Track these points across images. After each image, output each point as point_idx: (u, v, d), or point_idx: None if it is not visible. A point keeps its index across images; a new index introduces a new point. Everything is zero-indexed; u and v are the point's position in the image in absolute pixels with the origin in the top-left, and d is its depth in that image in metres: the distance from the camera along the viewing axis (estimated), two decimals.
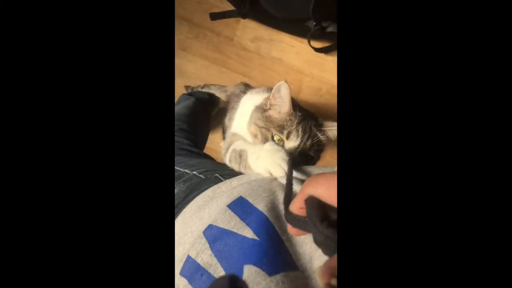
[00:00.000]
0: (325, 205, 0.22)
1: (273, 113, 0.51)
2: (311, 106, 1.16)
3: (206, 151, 0.89)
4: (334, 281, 0.17)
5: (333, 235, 0.19)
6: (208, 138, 1.01)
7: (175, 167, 0.54)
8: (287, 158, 0.40)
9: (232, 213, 0.33)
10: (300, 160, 0.50)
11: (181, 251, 0.34)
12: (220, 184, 0.42)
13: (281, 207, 0.32)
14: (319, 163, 0.58)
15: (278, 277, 0.25)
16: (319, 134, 0.51)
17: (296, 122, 0.48)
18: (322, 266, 0.19)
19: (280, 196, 0.35)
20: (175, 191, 0.49)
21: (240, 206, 0.34)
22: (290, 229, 0.25)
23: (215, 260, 0.30)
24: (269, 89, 0.60)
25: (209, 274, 0.29)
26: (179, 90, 1.08)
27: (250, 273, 0.25)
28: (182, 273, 0.31)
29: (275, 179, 0.40)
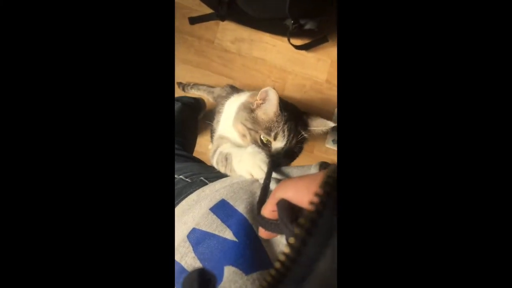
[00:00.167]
0: (294, 207, 0.23)
1: (260, 114, 0.52)
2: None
3: (195, 154, 0.89)
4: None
5: None
6: (197, 142, 1.02)
7: None
8: (267, 160, 0.42)
9: (214, 216, 0.34)
10: (285, 156, 0.52)
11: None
12: (205, 187, 0.43)
13: None
14: (302, 161, 0.59)
15: (254, 275, 0.26)
16: (304, 133, 0.52)
17: (282, 123, 0.50)
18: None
19: None
20: None
21: (222, 209, 0.35)
22: (262, 232, 0.26)
23: (198, 263, 0.31)
24: (254, 93, 0.61)
25: (198, 271, 0.30)
26: None
27: (229, 273, 0.27)
28: None
29: (256, 180, 0.41)
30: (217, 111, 0.77)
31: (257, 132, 0.51)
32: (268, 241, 0.30)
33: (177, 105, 0.93)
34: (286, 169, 0.41)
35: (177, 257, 0.33)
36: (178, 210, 0.43)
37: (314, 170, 0.37)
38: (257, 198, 0.35)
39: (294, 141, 0.51)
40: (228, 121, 0.59)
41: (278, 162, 0.42)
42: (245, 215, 0.33)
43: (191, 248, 0.33)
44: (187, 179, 0.51)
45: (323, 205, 0.17)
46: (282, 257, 0.16)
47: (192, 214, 0.38)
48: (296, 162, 0.62)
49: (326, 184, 0.18)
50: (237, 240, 0.30)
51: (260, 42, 1.14)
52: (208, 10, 1.06)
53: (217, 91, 0.86)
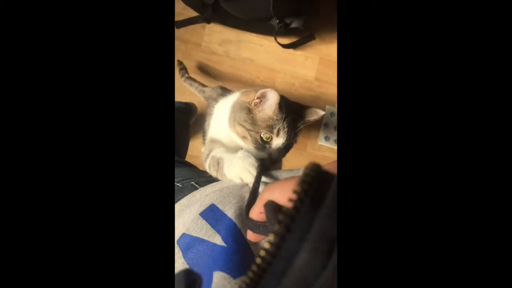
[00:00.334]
0: (281, 207, 0.23)
1: (258, 113, 0.53)
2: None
3: (187, 158, 0.89)
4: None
5: None
6: (189, 146, 1.01)
7: None
8: (256, 164, 0.42)
9: (204, 221, 0.35)
10: (285, 149, 0.54)
11: None
12: (195, 192, 0.43)
13: None
14: (296, 159, 0.60)
15: (242, 278, 0.26)
16: (300, 125, 0.54)
17: (282, 119, 0.52)
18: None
19: None
20: None
21: (211, 214, 0.35)
22: (250, 235, 0.26)
23: (187, 268, 0.31)
24: (245, 91, 0.61)
25: (187, 273, 0.31)
26: None
27: (218, 278, 0.27)
28: None
29: (246, 185, 0.41)
30: (207, 113, 0.77)
31: (257, 132, 0.51)
32: (256, 244, 0.30)
33: None
34: (276, 173, 0.41)
35: None
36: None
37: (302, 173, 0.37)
38: (245, 202, 0.36)
39: (292, 135, 0.53)
40: (219, 123, 0.59)
41: (267, 166, 0.43)
42: (234, 219, 0.33)
43: (180, 253, 0.33)
44: (178, 184, 0.51)
45: (301, 202, 0.17)
46: (262, 253, 0.17)
47: (182, 219, 0.38)
48: (289, 162, 0.62)
49: (303, 182, 0.18)
50: (225, 245, 0.30)
51: (247, 42, 1.14)
52: (193, 14, 1.05)
53: (208, 91, 0.86)
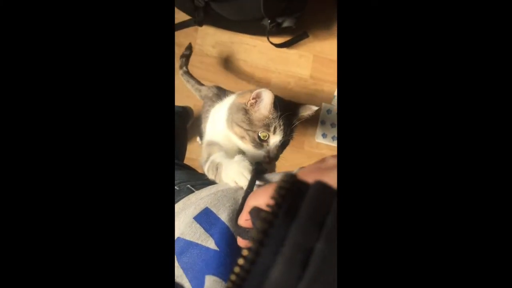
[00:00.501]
0: (255, 223, 0.23)
1: (254, 113, 0.54)
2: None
3: (186, 161, 0.89)
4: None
5: None
6: (187, 148, 1.02)
7: None
8: (250, 168, 0.42)
9: (198, 225, 0.35)
10: (282, 146, 0.55)
11: None
12: (191, 195, 0.44)
13: None
14: (294, 157, 0.60)
15: None
16: (296, 121, 0.55)
17: (277, 117, 0.53)
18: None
19: None
20: None
21: (205, 217, 0.35)
22: (240, 242, 0.27)
23: (181, 272, 0.31)
24: (241, 93, 0.61)
25: (176, 284, 0.31)
26: None
27: (210, 282, 0.27)
28: None
29: (241, 188, 0.41)
30: (203, 115, 0.78)
31: (255, 131, 0.53)
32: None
33: None
34: (269, 176, 0.41)
35: None
36: None
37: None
38: (238, 208, 0.36)
39: (288, 132, 0.54)
40: (217, 126, 0.60)
41: (262, 169, 0.43)
42: (227, 223, 0.33)
43: (175, 257, 0.33)
44: (175, 187, 0.51)
45: (274, 216, 0.17)
46: (237, 269, 0.17)
47: (177, 222, 0.39)
48: (287, 160, 0.62)
49: (276, 195, 0.18)
50: (218, 249, 0.30)
51: (240, 44, 1.14)
52: (186, 17, 1.06)
53: (204, 90, 0.86)
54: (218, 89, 0.83)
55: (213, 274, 0.28)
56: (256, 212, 0.24)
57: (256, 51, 1.15)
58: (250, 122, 0.53)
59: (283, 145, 0.56)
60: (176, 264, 0.32)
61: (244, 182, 0.41)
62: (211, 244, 0.31)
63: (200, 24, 0.99)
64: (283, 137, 0.54)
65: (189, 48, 1.02)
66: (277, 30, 1.01)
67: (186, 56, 1.00)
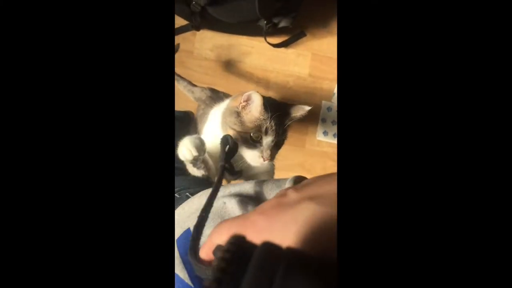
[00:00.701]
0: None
1: (246, 116, 0.55)
2: (281, 99, 1.19)
3: None
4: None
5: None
6: None
7: None
8: (198, 143, 0.45)
9: (177, 251, 0.32)
10: (276, 146, 0.55)
11: None
12: (184, 204, 0.41)
13: None
14: (295, 156, 0.60)
15: None
16: (288, 122, 0.56)
17: (269, 119, 0.54)
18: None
19: None
20: None
21: (184, 242, 0.33)
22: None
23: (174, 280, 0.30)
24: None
25: None
26: None
27: None
28: None
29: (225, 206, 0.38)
30: (199, 119, 0.78)
31: (246, 132, 0.54)
32: None
33: None
34: (260, 185, 0.38)
35: None
36: None
37: (288, 184, 0.35)
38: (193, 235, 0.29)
39: (281, 132, 0.55)
40: (212, 132, 0.61)
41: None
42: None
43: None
44: (176, 194, 0.51)
45: (218, 284, 0.16)
46: None
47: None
48: (288, 159, 0.62)
49: (221, 260, 0.16)
50: (192, 286, 0.28)
51: (238, 45, 1.15)
52: (183, 22, 1.07)
53: (197, 92, 0.85)
54: (212, 91, 0.83)
55: None
56: (219, 250, 0.22)
57: (254, 52, 1.15)
58: (242, 124, 0.55)
59: (277, 145, 0.57)
60: None
61: (187, 157, 0.44)
62: (184, 277, 0.29)
63: (198, 29, 1.00)
64: (275, 137, 0.54)
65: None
66: (274, 31, 1.02)
67: None
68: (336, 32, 1.08)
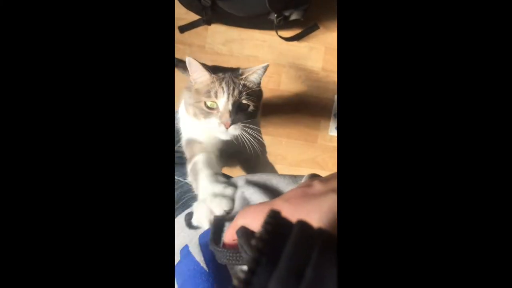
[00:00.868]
0: (253, 233, 0.24)
1: (198, 86, 0.54)
2: (293, 94, 1.18)
3: None
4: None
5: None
6: None
7: None
8: (219, 206, 0.39)
9: (197, 238, 0.34)
10: (241, 112, 0.52)
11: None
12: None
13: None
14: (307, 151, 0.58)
15: None
16: (241, 81, 0.53)
17: (218, 82, 0.52)
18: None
19: None
20: None
21: (206, 232, 0.34)
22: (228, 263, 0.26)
23: (174, 278, 0.32)
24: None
25: None
26: None
27: None
28: None
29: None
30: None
31: (200, 101, 0.52)
32: None
33: None
34: (277, 178, 0.39)
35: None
36: (182, 218, 0.42)
37: (304, 180, 0.36)
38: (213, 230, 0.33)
39: (236, 92, 0.51)
40: (185, 120, 0.59)
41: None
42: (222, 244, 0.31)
43: (176, 262, 0.34)
44: (191, 183, 0.51)
45: (257, 264, 0.17)
46: None
47: (190, 230, 0.38)
48: (301, 154, 0.61)
49: (259, 240, 0.17)
50: (207, 270, 0.30)
51: (250, 39, 1.14)
52: (195, 17, 1.08)
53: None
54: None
55: None
56: (243, 231, 0.24)
57: (266, 46, 1.14)
58: (195, 93, 0.53)
59: (245, 114, 0.52)
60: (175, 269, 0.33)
61: (202, 222, 0.38)
62: (201, 261, 0.31)
63: (209, 23, 1.00)
64: (229, 98, 0.50)
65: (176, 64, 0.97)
66: (285, 24, 1.01)
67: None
68: None
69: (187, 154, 0.55)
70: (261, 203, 0.26)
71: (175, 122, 0.69)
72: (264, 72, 0.55)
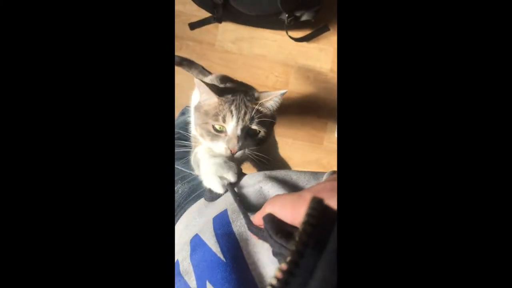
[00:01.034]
0: (279, 220, 0.25)
1: (206, 107, 0.52)
2: (301, 95, 1.17)
3: None
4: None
5: (286, 244, 0.22)
6: None
7: (182, 169, 0.57)
8: (224, 172, 0.41)
9: (212, 228, 0.34)
10: (250, 138, 0.50)
11: (175, 253, 0.36)
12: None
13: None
14: (311, 154, 0.57)
15: None
16: (256, 106, 0.50)
17: (227, 104, 0.49)
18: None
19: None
20: (180, 191, 0.51)
21: (221, 221, 0.34)
22: (257, 238, 0.28)
23: (191, 269, 0.32)
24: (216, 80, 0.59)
25: (185, 281, 0.31)
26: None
27: None
28: None
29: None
30: None
31: (207, 123, 0.50)
32: (255, 263, 0.30)
33: None
34: (295, 174, 0.39)
35: (179, 258, 0.34)
36: (195, 208, 0.43)
37: (326, 177, 0.36)
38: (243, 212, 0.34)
39: (247, 117, 0.48)
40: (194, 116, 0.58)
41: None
42: (237, 235, 0.32)
43: (189, 253, 0.34)
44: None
45: (305, 246, 0.17)
46: None
47: (203, 218, 0.39)
48: (305, 155, 0.61)
49: (306, 224, 0.18)
50: (224, 260, 0.30)
51: (260, 39, 1.14)
52: (206, 14, 1.08)
53: (208, 79, 0.83)
54: (221, 80, 0.80)
55: (214, 286, 0.28)
56: (268, 218, 0.25)
57: (276, 46, 1.14)
58: (203, 115, 0.51)
59: (254, 139, 0.50)
60: (188, 261, 0.33)
61: (216, 188, 0.40)
62: (217, 251, 0.31)
63: (220, 21, 1.01)
64: (238, 123, 0.48)
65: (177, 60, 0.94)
66: (296, 24, 1.01)
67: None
68: None
69: (192, 144, 0.56)
70: (290, 193, 0.27)
71: (188, 115, 0.69)
72: (281, 99, 0.51)
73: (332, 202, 0.22)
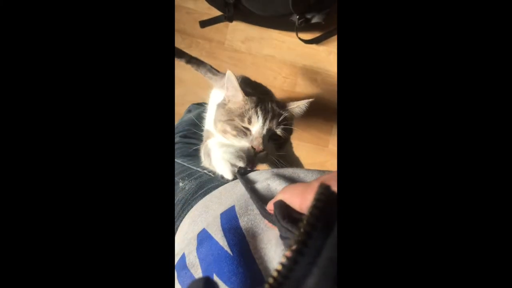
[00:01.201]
0: (288, 207, 0.26)
1: (231, 105, 0.53)
2: (308, 97, 1.17)
3: None
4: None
5: (292, 229, 0.23)
6: None
7: (189, 166, 0.58)
8: (234, 158, 0.42)
9: (219, 223, 0.35)
10: (271, 141, 0.51)
11: (181, 247, 0.37)
12: (227, 185, 0.44)
13: (261, 225, 0.33)
14: (317, 156, 0.58)
15: None
16: (283, 112, 0.52)
17: (253, 105, 0.50)
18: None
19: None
20: (187, 187, 0.52)
21: (228, 217, 0.35)
22: (267, 222, 0.30)
23: (197, 262, 0.32)
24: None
25: (191, 273, 0.32)
26: (179, 99, 1.13)
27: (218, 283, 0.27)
28: (176, 267, 0.34)
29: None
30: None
31: (233, 120, 0.51)
32: (262, 258, 0.30)
33: (201, 108, 0.90)
34: (302, 172, 0.40)
35: (186, 252, 0.34)
36: (202, 203, 0.43)
37: None
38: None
39: (274, 121, 0.50)
40: (210, 116, 0.59)
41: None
42: (244, 231, 0.32)
43: (195, 247, 0.34)
44: (210, 173, 0.53)
45: (313, 228, 0.18)
46: (275, 273, 0.17)
47: (210, 213, 0.39)
48: (311, 158, 0.61)
49: (315, 207, 0.19)
50: (231, 254, 0.30)
51: (270, 39, 1.15)
52: (217, 13, 1.09)
53: (221, 80, 0.83)
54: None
55: (221, 279, 0.28)
56: (279, 204, 0.26)
57: (285, 47, 1.15)
58: (227, 113, 0.52)
59: (276, 143, 0.52)
60: (195, 254, 0.33)
61: (226, 174, 0.42)
62: (224, 245, 0.31)
63: (231, 20, 1.01)
64: (264, 126, 0.49)
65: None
66: (306, 26, 1.01)
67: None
68: None
69: (204, 138, 0.58)
70: (300, 183, 0.28)
71: (203, 112, 0.71)
72: (307, 107, 0.55)
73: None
